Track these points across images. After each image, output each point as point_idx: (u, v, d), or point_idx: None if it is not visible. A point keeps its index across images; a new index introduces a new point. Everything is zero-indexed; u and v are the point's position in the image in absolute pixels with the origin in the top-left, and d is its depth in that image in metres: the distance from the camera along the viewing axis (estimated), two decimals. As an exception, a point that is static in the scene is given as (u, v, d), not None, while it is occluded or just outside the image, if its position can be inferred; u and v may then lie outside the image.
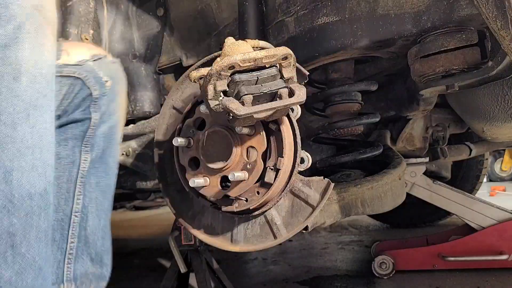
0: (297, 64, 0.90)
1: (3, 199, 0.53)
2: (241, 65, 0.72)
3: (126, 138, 1.51)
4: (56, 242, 0.71)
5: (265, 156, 0.88)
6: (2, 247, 0.52)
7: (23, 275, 0.53)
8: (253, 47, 0.80)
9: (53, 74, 0.63)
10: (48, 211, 0.59)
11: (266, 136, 0.88)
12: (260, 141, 0.87)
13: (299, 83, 0.82)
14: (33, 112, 0.58)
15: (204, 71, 0.78)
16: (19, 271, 0.53)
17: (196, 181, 0.90)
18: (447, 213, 2.66)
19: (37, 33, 0.60)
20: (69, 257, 0.72)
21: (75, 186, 0.73)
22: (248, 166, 0.87)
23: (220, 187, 0.90)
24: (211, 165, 0.90)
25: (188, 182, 0.92)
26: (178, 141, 0.92)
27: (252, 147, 0.88)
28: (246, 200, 0.90)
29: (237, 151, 0.87)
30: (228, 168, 0.89)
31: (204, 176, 0.91)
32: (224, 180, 0.91)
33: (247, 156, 0.88)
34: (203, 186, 0.91)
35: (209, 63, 0.90)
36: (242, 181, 0.87)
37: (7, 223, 0.53)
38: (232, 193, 0.89)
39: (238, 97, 0.75)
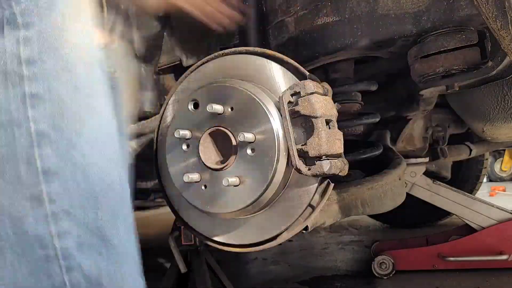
0: (297, 64, 0.90)
1: (86, 196, 0.52)
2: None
3: (126, 138, 1.51)
4: None
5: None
6: (94, 241, 0.52)
7: (120, 265, 0.54)
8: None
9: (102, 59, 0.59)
10: (128, 199, 0.58)
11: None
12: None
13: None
14: (93, 102, 0.55)
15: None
16: (115, 262, 0.53)
17: (190, 176, 0.90)
18: (447, 213, 2.66)
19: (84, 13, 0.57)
20: None
21: None
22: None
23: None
24: (209, 164, 0.90)
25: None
26: (180, 133, 0.90)
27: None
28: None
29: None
30: (225, 168, 0.89)
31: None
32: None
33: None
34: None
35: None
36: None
37: (93, 218, 0.52)
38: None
39: None
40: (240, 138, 0.84)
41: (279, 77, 0.91)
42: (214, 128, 0.90)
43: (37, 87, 0.51)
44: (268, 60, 0.92)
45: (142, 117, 1.52)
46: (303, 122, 0.85)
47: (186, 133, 0.91)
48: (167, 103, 1.05)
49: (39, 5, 0.51)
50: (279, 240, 0.92)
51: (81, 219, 0.52)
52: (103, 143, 0.56)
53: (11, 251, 0.49)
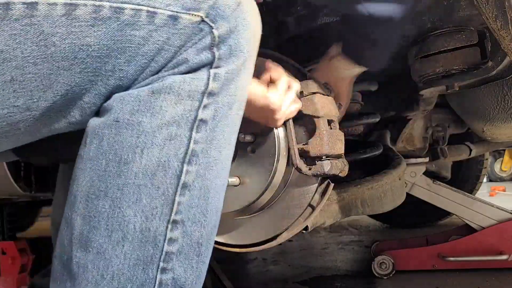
0: (297, 64, 0.90)
1: (200, 214, 0.58)
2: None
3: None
4: None
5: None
6: (191, 255, 0.59)
7: (200, 280, 0.61)
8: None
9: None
10: (217, 226, 0.64)
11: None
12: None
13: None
14: (232, 136, 0.62)
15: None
16: (198, 275, 0.60)
17: None
18: (447, 213, 2.66)
19: (253, 60, 0.63)
20: None
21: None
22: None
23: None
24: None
25: None
26: None
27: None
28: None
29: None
30: None
31: None
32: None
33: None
34: None
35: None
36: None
37: (198, 235, 0.59)
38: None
39: None
40: (240, 138, 0.84)
41: (279, 77, 0.91)
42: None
43: (207, 115, 0.57)
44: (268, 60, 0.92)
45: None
46: (305, 122, 0.85)
47: None
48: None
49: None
50: (279, 240, 0.92)
51: (189, 232, 0.58)
52: (227, 168, 0.62)
53: (129, 243, 0.55)
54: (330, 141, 0.83)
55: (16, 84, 0.51)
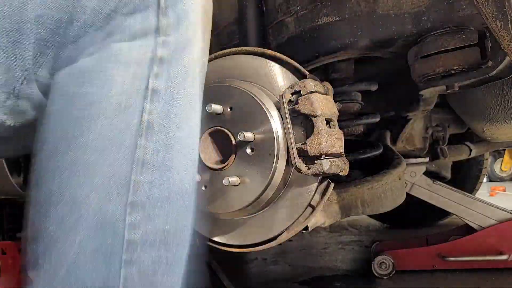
0: (297, 64, 0.90)
1: (161, 196, 0.54)
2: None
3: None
4: None
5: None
6: (156, 242, 0.53)
7: (176, 273, 0.56)
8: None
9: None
10: (191, 211, 0.61)
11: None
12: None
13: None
14: (191, 114, 0.58)
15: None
16: (171, 268, 0.55)
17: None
18: (447, 213, 2.66)
19: (205, 35, 0.61)
20: None
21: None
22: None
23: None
24: (209, 164, 0.90)
25: None
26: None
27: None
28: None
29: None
30: (225, 168, 0.89)
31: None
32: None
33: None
34: None
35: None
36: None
37: (162, 221, 0.54)
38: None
39: None
40: (240, 137, 0.84)
41: (279, 77, 0.91)
42: (214, 128, 0.90)
43: (159, 85, 0.53)
44: (268, 60, 0.92)
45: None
46: (303, 121, 0.85)
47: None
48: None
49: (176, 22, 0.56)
50: (279, 240, 0.92)
51: (152, 216, 0.52)
52: (191, 149, 0.58)
53: (84, 229, 0.49)
54: (329, 140, 0.83)
55: None
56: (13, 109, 0.54)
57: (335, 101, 1.30)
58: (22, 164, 1.50)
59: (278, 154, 0.85)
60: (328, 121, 0.85)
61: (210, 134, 0.91)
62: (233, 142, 0.88)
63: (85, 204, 0.49)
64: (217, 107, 0.87)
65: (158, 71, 0.54)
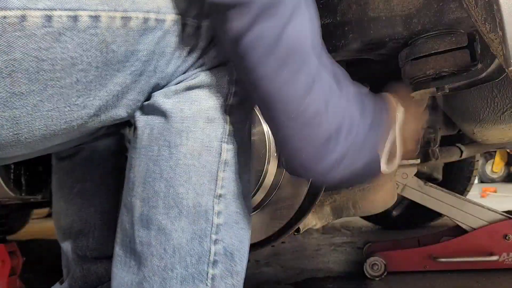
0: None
1: (236, 187, 0.68)
2: None
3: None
4: None
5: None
6: (231, 223, 0.68)
7: (243, 244, 0.70)
8: None
9: None
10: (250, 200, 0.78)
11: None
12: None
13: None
14: (249, 116, 0.73)
15: None
16: (241, 240, 0.70)
17: None
18: (439, 215, 2.67)
19: None
20: None
21: None
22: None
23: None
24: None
25: None
26: None
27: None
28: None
29: None
30: None
31: None
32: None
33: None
34: None
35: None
36: None
37: (236, 205, 0.69)
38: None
39: None
40: None
41: (270, 79, 0.91)
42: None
43: (235, 100, 0.68)
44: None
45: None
46: None
47: None
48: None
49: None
50: (271, 242, 0.92)
51: (230, 203, 0.67)
52: (249, 144, 0.73)
53: (185, 217, 0.63)
54: None
55: (80, 85, 0.59)
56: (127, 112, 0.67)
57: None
58: (12, 166, 1.49)
59: (269, 156, 0.85)
60: None
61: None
62: None
63: (185, 198, 0.63)
64: None
65: (234, 90, 0.67)
